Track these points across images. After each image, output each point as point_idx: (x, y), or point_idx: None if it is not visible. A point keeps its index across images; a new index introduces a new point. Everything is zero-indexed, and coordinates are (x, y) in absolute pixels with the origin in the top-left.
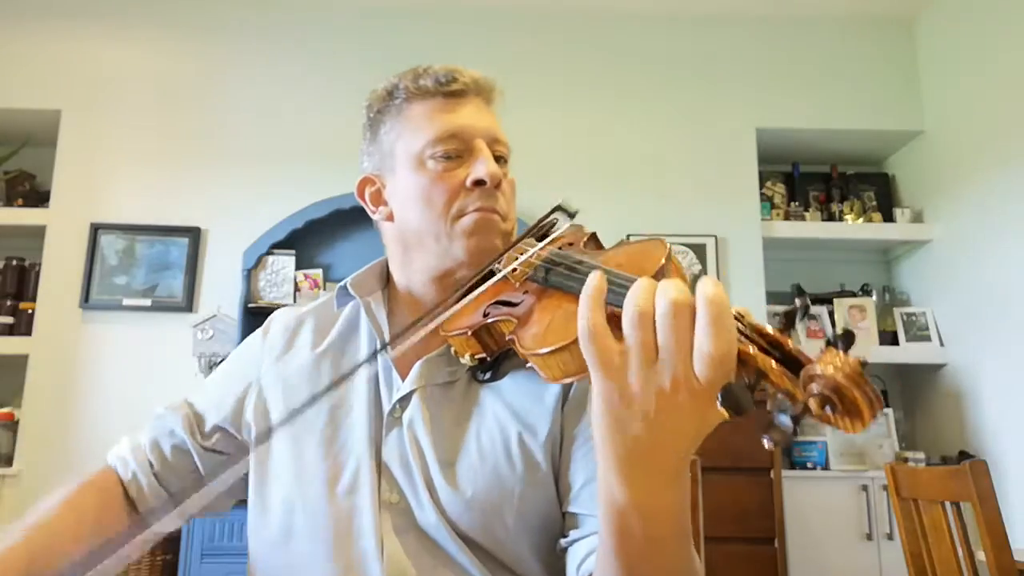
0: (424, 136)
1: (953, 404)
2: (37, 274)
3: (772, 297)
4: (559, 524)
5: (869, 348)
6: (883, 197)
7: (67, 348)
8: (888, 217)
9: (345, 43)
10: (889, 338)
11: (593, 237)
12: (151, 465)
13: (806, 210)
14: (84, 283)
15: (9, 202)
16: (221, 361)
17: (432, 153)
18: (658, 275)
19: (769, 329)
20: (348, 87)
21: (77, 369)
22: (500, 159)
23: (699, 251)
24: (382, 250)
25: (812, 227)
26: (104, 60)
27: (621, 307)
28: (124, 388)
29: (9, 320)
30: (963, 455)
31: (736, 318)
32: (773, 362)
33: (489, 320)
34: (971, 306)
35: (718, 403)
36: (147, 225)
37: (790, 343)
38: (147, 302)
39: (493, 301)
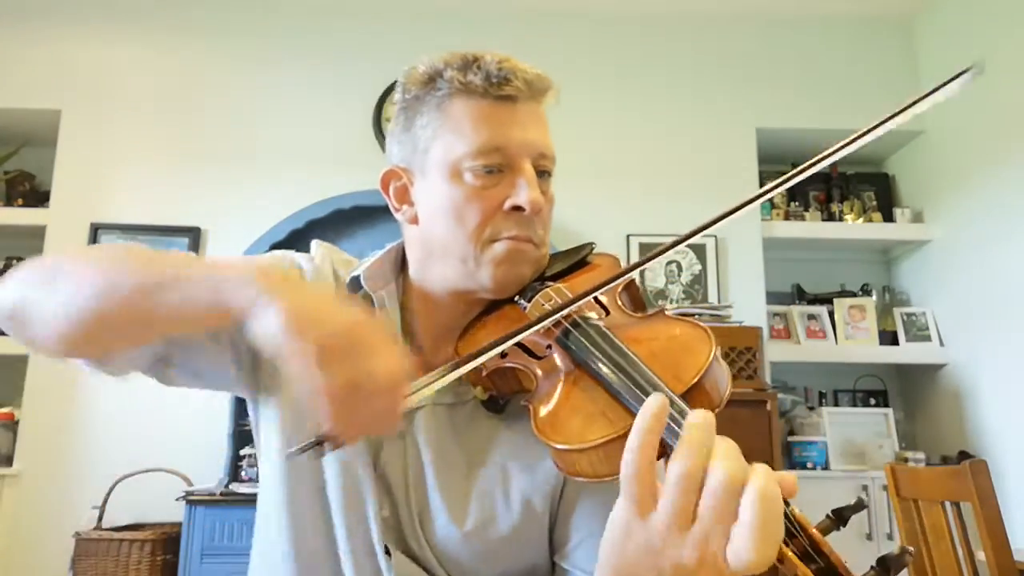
0: (465, 144)
1: (953, 404)
2: None
3: (772, 297)
4: (544, 571)
5: (869, 348)
6: (883, 197)
7: None
8: (888, 217)
9: (346, 45)
10: (889, 338)
11: (630, 285)
12: None
13: (806, 210)
14: None
15: (9, 202)
16: None
17: (471, 166)
18: (700, 382)
19: (814, 529)
20: (349, 88)
21: (77, 369)
22: (544, 173)
23: (699, 251)
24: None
25: (812, 227)
26: (104, 60)
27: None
28: (124, 388)
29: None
30: (963, 455)
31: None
32: (813, 575)
33: (507, 364)
34: (971, 306)
35: None
36: (147, 225)
37: (834, 553)
38: None
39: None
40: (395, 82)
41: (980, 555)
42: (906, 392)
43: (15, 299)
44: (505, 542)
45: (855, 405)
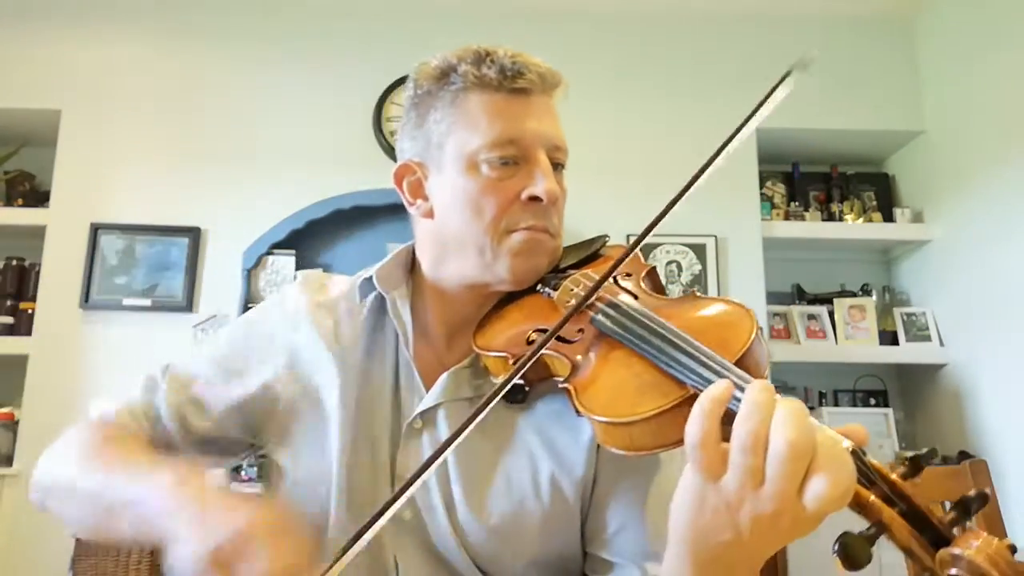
0: (481, 137)
1: (953, 404)
2: (37, 274)
3: (772, 297)
4: (575, 563)
5: (869, 348)
6: (883, 197)
7: (67, 348)
8: (888, 217)
9: (346, 45)
10: (889, 338)
11: (652, 272)
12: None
13: (806, 210)
14: (84, 283)
15: (9, 202)
16: None
17: (487, 158)
18: (745, 356)
19: (894, 475)
20: (349, 88)
21: (77, 369)
22: (558, 166)
23: (699, 251)
24: (383, 250)
25: (812, 227)
26: (104, 60)
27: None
28: (124, 388)
29: (9, 320)
30: (963, 455)
31: (855, 454)
32: (898, 517)
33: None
34: (971, 306)
35: (833, 551)
36: (147, 225)
37: (917, 496)
38: (147, 302)
39: (538, 327)
40: (395, 82)
41: None
42: (906, 392)
43: (39, 497)
44: (535, 529)
45: (855, 405)
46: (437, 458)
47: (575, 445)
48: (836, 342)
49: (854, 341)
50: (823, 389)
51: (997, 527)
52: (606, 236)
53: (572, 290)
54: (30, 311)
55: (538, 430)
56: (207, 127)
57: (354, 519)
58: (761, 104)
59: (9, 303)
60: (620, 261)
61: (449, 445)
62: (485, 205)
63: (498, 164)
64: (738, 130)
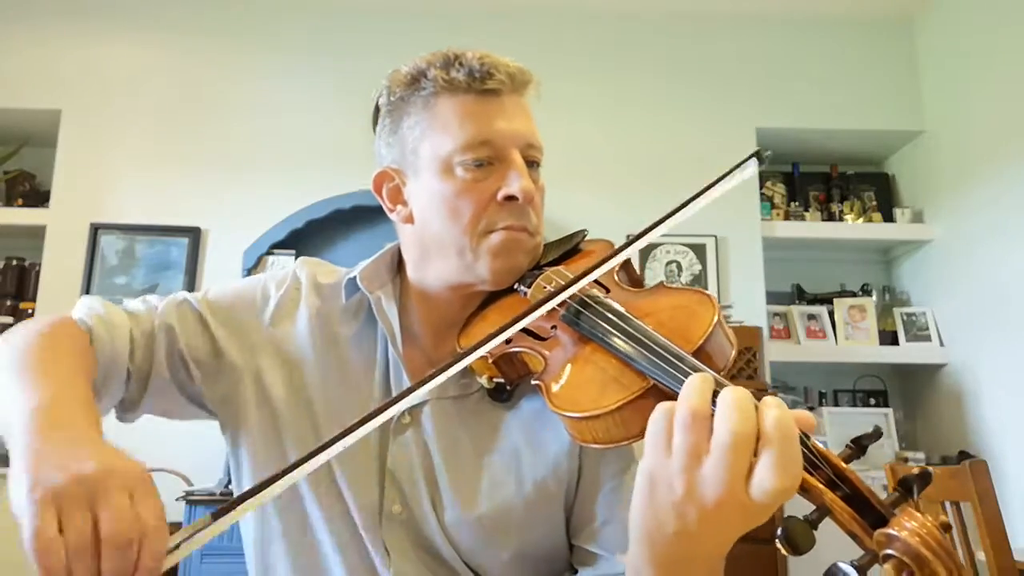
0: (453, 140)
1: (953, 404)
2: (37, 274)
3: (772, 297)
4: (560, 555)
5: (869, 348)
6: (883, 197)
7: None
8: (888, 217)
9: (346, 45)
10: (889, 338)
11: (627, 265)
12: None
13: (806, 210)
14: (84, 283)
15: (9, 202)
16: None
17: (461, 160)
18: (705, 344)
19: (836, 458)
20: (349, 88)
21: None
22: (533, 164)
23: (699, 251)
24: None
25: (812, 227)
26: (104, 60)
27: (670, 386)
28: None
29: (9, 320)
30: (963, 455)
31: (801, 441)
32: (840, 500)
33: (512, 349)
34: (971, 306)
35: (776, 536)
36: (147, 225)
37: (859, 478)
38: None
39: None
40: None
41: (980, 555)
42: (906, 392)
43: None
44: (519, 525)
45: (855, 405)
46: (388, 408)
47: (559, 441)
48: (836, 342)
49: (854, 341)
50: (823, 389)
51: (997, 527)
52: (584, 231)
53: (544, 287)
54: (30, 311)
55: (523, 428)
56: (207, 127)
57: (354, 521)
58: (720, 180)
59: (9, 303)
60: (583, 276)
61: (405, 396)
62: (462, 207)
63: (472, 166)
64: (690, 200)
